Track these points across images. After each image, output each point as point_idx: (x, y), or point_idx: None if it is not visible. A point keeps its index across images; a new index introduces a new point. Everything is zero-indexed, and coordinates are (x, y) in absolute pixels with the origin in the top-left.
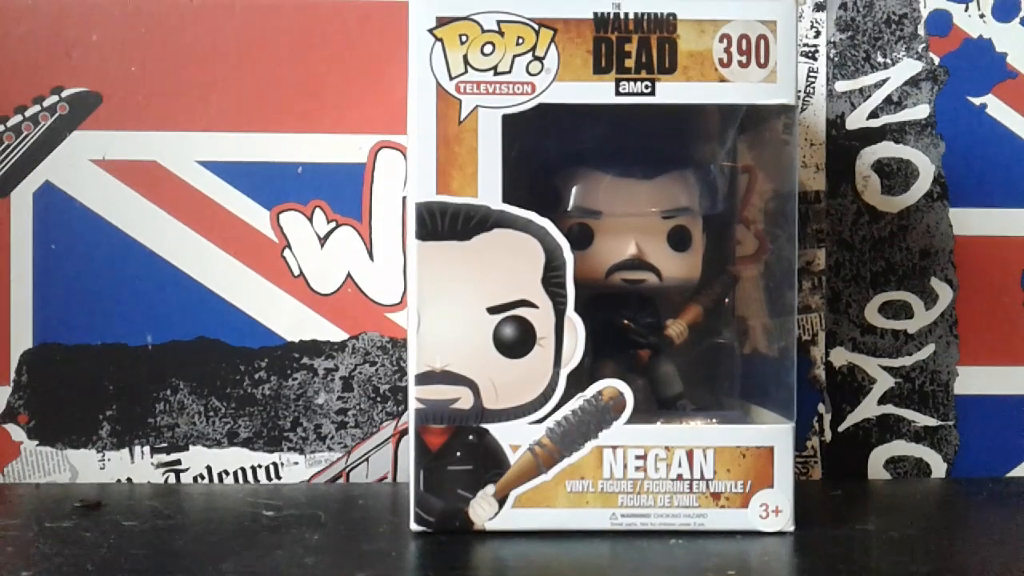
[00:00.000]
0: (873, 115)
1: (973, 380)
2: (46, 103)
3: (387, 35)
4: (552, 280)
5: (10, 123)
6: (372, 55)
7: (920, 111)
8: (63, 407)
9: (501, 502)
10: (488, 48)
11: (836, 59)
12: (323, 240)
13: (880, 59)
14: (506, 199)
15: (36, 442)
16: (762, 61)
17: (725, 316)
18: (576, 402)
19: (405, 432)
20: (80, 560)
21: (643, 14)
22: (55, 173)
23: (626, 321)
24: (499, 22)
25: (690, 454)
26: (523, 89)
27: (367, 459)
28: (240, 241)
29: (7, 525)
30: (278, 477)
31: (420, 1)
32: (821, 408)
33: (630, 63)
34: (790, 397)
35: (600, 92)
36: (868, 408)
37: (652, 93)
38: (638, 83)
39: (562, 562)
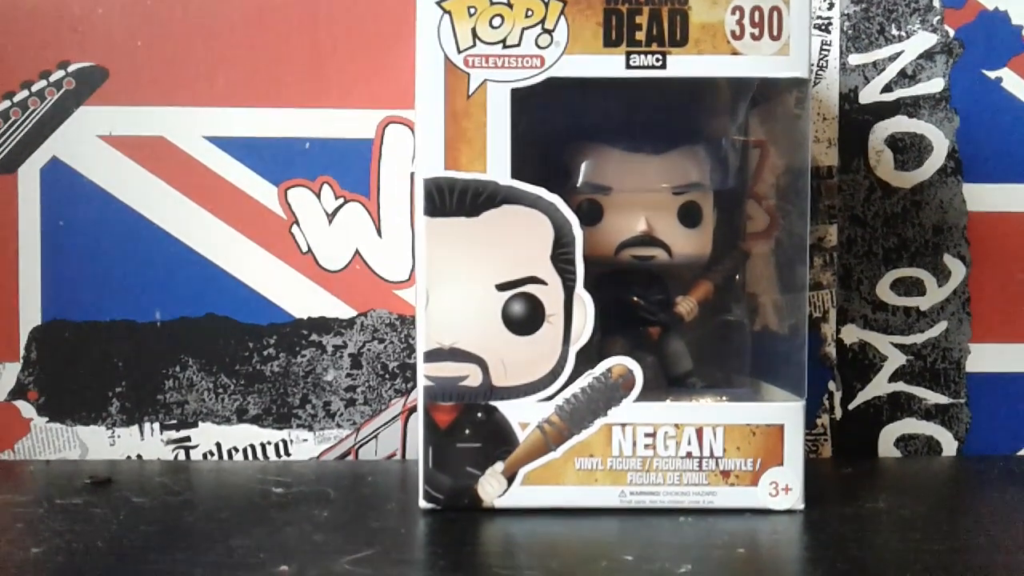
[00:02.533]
0: (887, 89)
1: (985, 358)
2: (52, 78)
3: (395, 8)
4: (561, 257)
5: (17, 98)
6: (380, 29)
7: (934, 85)
8: (73, 384)
9: (510, 479)
10: (497, 20)
11: (850, 32)
12: (331, 216)
13: (894, 32)
14: (515, 175)
15: (46, 419)
16: (775, 34)
17: (735, 293)
18: (585, 380)
19: (414, 409)
20: (90, 536)
21: None
22: (62, 149)
23: (636, 298)
24: None
25: (699, 432)
26: (532, 63)
27: (376, 436)
28: (248, 217)
29: (18, 501)
30: (287, 454)
31: None
32: (831, 386)
33: (641, 36)
34: (800, 374)
35: (610, 65)
36: (879, 386)
37: (663, 66)
38: (649, 56)
39: (571, 539)
